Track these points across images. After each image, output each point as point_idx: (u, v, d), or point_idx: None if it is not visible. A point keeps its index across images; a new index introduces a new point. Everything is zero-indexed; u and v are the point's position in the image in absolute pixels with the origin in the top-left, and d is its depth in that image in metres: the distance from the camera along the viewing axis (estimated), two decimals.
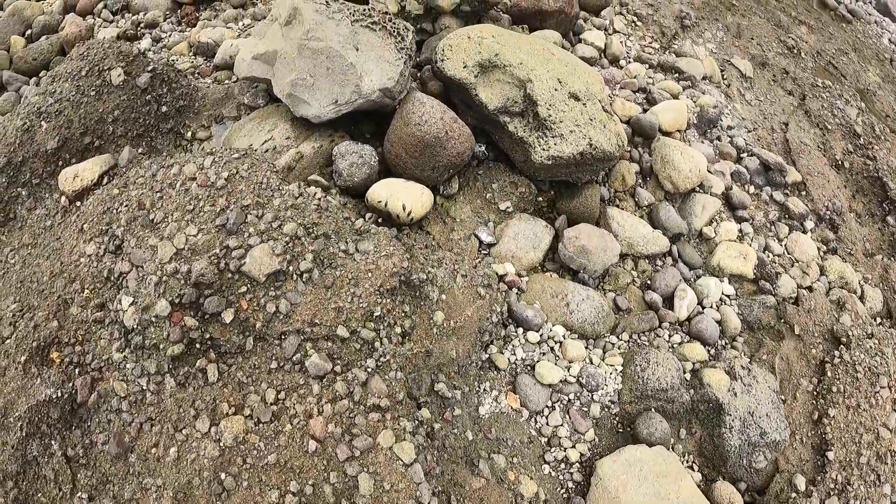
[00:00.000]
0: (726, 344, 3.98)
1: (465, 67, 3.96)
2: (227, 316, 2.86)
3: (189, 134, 4.11)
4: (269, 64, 3.99)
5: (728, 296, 4.24)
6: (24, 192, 3.77)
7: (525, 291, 3.82)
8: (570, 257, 3.90)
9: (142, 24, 4.98)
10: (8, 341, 3.04)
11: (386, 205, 3.69)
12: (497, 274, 3.81)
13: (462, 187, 4.07)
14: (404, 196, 3.72)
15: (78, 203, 3.61)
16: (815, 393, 3.89)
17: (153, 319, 2.79)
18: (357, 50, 3.77)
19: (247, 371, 2.85)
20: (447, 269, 3.49)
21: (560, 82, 3.97)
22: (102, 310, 3.03)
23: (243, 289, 2.89)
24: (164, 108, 4.07)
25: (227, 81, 4.41)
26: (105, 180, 3.63)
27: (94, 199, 3.39)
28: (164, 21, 4.98)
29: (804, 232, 4.85)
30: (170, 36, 4.84)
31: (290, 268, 2.98)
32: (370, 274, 3.07)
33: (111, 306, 3.00)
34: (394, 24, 3.95)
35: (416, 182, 3.86)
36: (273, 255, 2.97)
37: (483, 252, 3.93)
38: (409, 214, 3.72)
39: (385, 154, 3.95)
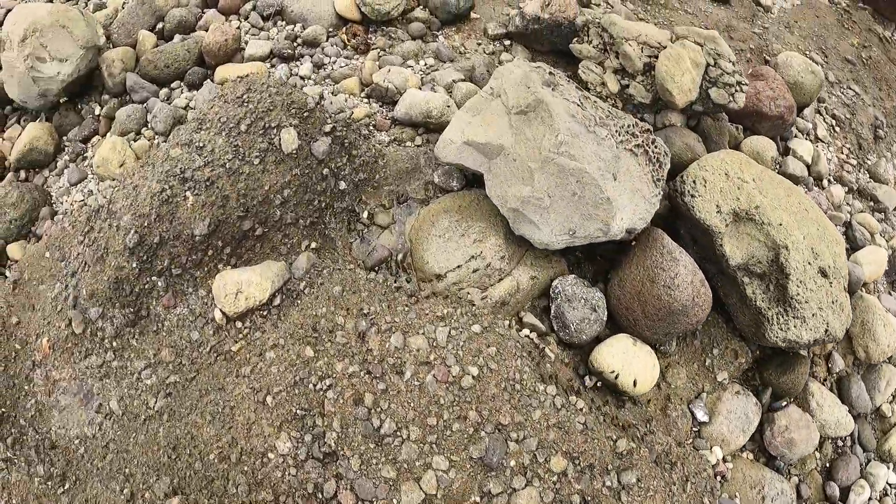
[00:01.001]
0: None
1: (717, 212, 3.12)
2: None
3: (365, 215, 3.17)
4: (486, 156, 3.03)
5: (892, 485, 3.79)
6: (160, 283, 2.83)
7: (728, 481, 3.26)
8: (775, 446, 3.36)
9: (299, 41, 3.81)
10: None
11: (617, 377, 2.92)
12: (709, 463, 3.18)
13: (679, 344, 3.31)
14: (637, 369, 2.96)
15: (239, 325, 2.70)
16: None
17: None
18: (615, 179, 2.85)
19: None
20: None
21: (813, 254, 3.20)
22: None
23: None
24: (342, 185, 3.09)
25: (409, 144, 3.41)
26: (277, 300, 2.71)
27: (276, 356, 2.51)
28: (327, 40, 3.83)
29: None
30: (334, 62, 3.73)
31: None
32: None
33: None
34: (655, 147, 3.02)
35: (641, 340, 3.09)
36: (541, 503, 2.22)
37: (694, 430, 3.26)
38: (635, 387, 2.97)
39: (612, 299, 3.13)
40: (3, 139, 3.90)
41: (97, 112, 3.82)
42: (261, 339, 2.61)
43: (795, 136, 4.34)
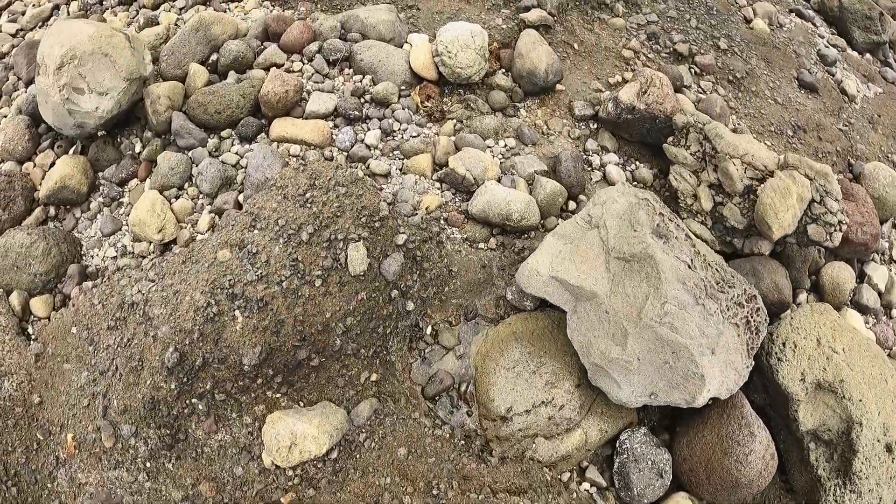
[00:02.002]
0: None
1: (801, 381, 2.82)
2: None
3: (429, 330, 2.83)
4: (573, 296, 2.67)
5: None
6: (201, 406, 2.51)
7: None
8: None
9: (368, 97, 3.32)
10: None
11: None
12: None
13: None
14: None
15: (290, 472, 2.40)
16: None
17: None
18: (713, 353, 2.51)
19: None
20: None
21: (884, 429, 2.92)
22: None
23: None
24: (409, 305, 2.73)
25: (482, 246, 3.02)
26: (335, 453, 2.40)
27: None
28: (399, 100, 3.33)
29: None
30: (405, 130, 3.25)
31: None
32: None
33: None
34: (758, 315, 2.66)
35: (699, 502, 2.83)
36: None
37: None
38: None
39: (676, 454, 2.84)
40: (35, 165, 3.45)
41: (137, 149, 3.36)
42: (314, 499, 2.32)
43: (872, 260, 3.96)
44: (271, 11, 3.93)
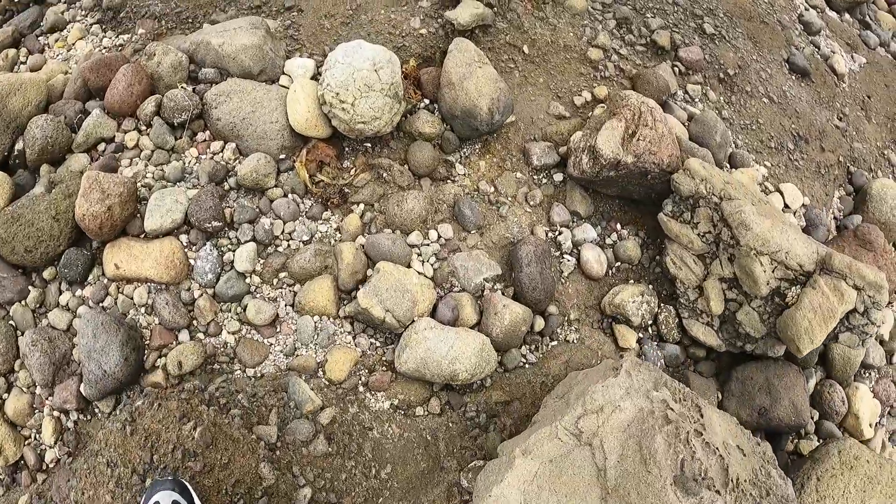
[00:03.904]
0: None
1: None
2: None
3: None
4: None
5: None
6: None
7: None
8: None
9: (232, 183, 2.12)
10: None
11: None
12: None
13: None
14: None
15: None
16: None
17: None
18: None
19: None
20: None
21: None
22: None
23: None
24: None
25: (420, 412, 2.05)
26: None
27: None
28: (277, 182, 2.11)
29: None
30: (292, 234, 2.10)
31: None
32: None
33: None
34: None
35: None
36: None
37: None
38: None
39: None
40: None
41: None
42: None
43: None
44: (101, 41, 2.49)
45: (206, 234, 2.07)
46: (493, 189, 2.40)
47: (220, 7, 2.61)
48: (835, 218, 3.09)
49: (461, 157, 2.44)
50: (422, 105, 2.40)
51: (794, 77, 3.22)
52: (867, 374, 2.98)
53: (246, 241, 2.07)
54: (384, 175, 2.26)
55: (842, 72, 3.38)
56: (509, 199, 2.41)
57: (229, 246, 2.09)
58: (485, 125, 2.35)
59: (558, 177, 2.50)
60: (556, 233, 2.40)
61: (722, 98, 2.98)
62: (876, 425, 2.77)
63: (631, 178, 2.38)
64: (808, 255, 2.15)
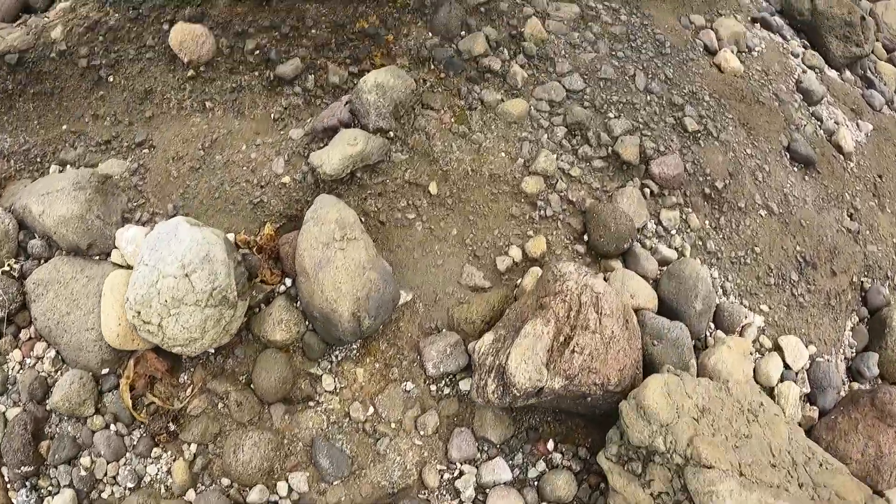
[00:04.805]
0: None
1: None
2: None
3: None
4: None
5: None
6: None
7: None
8: None
9: (45, 410, 1.74)
10: None
11: None
12: None
13: None
14: None
15: None
16: None
17: None
18: None
19: None
20: None
21: None
22: None
23: None
24: None
25: None
26: None
27: None
28: (99, 407, 1.75)
29: None
30: (115, 480, 1.74)
31: None
32: None
33: None
34: None
35: None
36: None
37: None
38: None
39: None
40: None
41: None
42: None
43: None
44: None
45: (22, 476, 1.74)
46: (371, 412, 1.83)
47: (69, 142, 2.13)
48: (846, 359, 2.36)
49: (331, 364, 1.86)
50: (282, 289, 1.88)
51: (796, 169, 2.50)
52: None
53: (65, 486, 1.76)
54: (224, 400, 1.81)
55: (848, 150, 2.70)
56: (392, 426, 1.83)
57: (49, 488, 1.76)
58: (348, 335, 1.75)
59: (466, 384, 1.87)
60: (455, 474, 1.81)
61: (707, 222, 2.18)
62: None
63: (563, 400, 1.78)
64: None
